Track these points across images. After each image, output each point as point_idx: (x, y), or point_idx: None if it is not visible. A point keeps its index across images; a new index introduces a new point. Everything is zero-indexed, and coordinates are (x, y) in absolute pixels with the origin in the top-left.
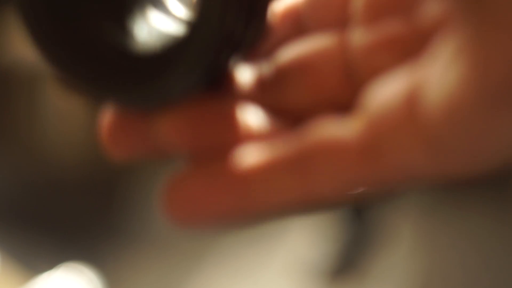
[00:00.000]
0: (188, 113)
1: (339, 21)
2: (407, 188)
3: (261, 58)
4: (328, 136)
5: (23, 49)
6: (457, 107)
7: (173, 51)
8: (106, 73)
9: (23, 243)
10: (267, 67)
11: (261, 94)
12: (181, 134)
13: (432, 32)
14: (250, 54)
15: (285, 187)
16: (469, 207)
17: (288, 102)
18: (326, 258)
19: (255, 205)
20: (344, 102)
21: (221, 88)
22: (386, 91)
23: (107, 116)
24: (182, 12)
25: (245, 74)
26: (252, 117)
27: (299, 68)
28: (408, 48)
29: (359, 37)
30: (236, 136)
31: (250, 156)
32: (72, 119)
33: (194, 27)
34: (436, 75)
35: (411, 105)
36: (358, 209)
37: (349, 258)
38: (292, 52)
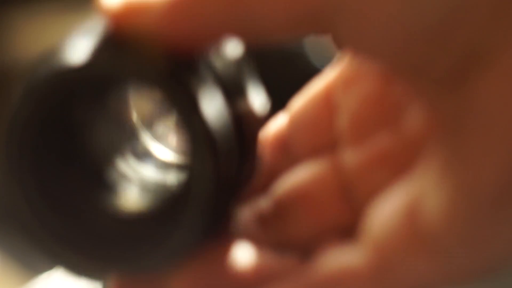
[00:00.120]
0: (195, 272)
1: (327, 143)
2: None
3: (257, 193)
4: (339, 267)
5: (23, 49)
6: (453, 220)
7: (170, 210)
8: (104, 244)
9: (23, 243)
10: (265, 202)
11: (263, 232)
12: None
13: (419, 141)
14: (246, 192)
15: None
16: None
17: (291, 234)
18: None
19: None
20: (347, 225)
21: (223, 233)
22: (385, 212)
23: (112, 283)
24: (167, 156)
25: (244, 214)
26: (259, 259)
27: (297, 198)
28: (400, 161)
29: (350, 157)
30: (248, 282)
31: None
32: None
33: (189, 181)
34: (429, 190)
35: (411, 221)
36: None
37: None
38: (287, 183)
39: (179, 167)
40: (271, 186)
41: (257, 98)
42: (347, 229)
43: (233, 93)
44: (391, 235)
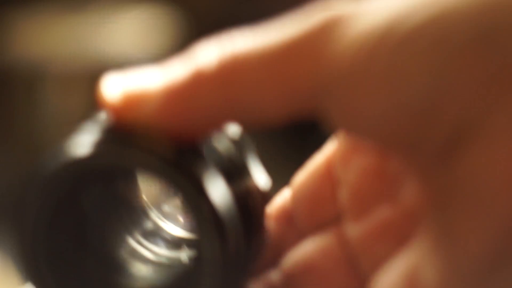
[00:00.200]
0: None
1: (331, 216)
2: None
3: (266, 266)
4: None
5: (23, 49)
6: (450, 286)
7: (182, 286)
8: None
9: None
10: (275, 275)
11: None
12: None
13: (417, 213)
14: (256, 265)
15: None
16: None
17: None
18: None
19: None
20: None
21: None
22: (387, 282)
23: None
24: (176, 233)
25: (256, 287)
26: None
27: (306, 271)
28: (400, 232)
29: (353, 229)
30: None
31: None
32: (72, 119)
33: (199, 259)
34: (424, 262)
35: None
36: None
37: None
38: (295, 256)
39: (189, 243)
40: (279, 259)
41: (259, 175)
42: None
43: (237, 172)
44: None
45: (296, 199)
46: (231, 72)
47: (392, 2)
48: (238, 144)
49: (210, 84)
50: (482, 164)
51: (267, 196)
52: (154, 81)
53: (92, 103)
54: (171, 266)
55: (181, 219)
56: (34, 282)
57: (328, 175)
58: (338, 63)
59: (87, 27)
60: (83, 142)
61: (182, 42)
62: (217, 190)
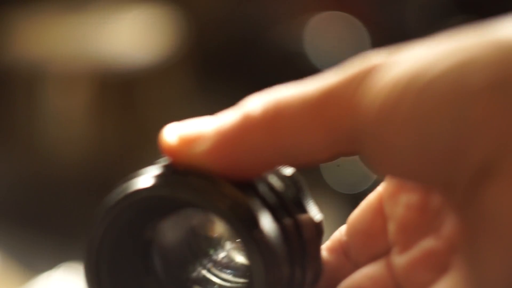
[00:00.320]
0: None
1: (382, 249)
2: None
3: None
4: None
5: (23, 49)
6: None
7: None
8: None
9: (23, 243)
10: None
11: None
12: None
13: (454, 243)
14: None
15: None
16: None
17: None
18: None
19: None
20: None
21: None
22: None
23: None
24: (240, 261)
25: None
26: None
27: None
28: (441, 262)
29: (399, 259)
30: None
31: None
32: (72, 119)
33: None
34: None
35: None
36: None
37: None
38: (347, 283)
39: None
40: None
41: (313, 209)
42: None
43: (290, 206)
44: None
45: (351, 233)
46: (275, 116)
47: (419, 52)
48: (290, 179)
49: (256, 127)
50: (504, 201)
51: (320, 229)
52: (207, 126)
53: (92, 103)
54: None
55: None
56: None
57: (379, 211)
58: (368, 110)
59: (87, 27)
60: (144, 178)
61: (182, 42)
62: (266, 223)
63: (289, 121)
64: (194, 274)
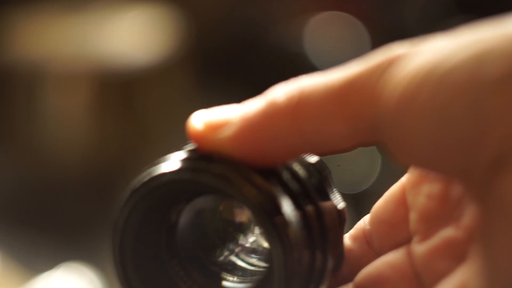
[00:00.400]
0: None
1: (404, 237)
2: None
3: (343, 281)
4: None
5: (23, 49)
6: None
7: None
8: None
9: (23, 243)
10: None
11: None
12: None
13: (473, 232)
14: (334, 278)
15: None
16: None
17: None
18: None
19: None
20: None
21: None
22: None
23: None
24: (258, 266)
25: None
26: None
27: (375, 282)
28: (460, 251)
29: (419, 248)
30: None
31: None
32: (72, 119)
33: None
34: (472, 280)
35: None
36: None
37: None
38: (367, 270)
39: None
40: (355, 275)
41: (336, 197)
42: None
43: (313, 193)
44: None
45: (374, 222)
46: (299, 104)
47: (439, 43)
48: (314, 167)
49: (280, 114)
50: None
51: (343, 216)
52: (233, 113)
53: (92, 103)
54: (258, 274)
55: None
56: (123, 287)
57: (402, 201)
58: (389, 100)
59: (87, 27)
60: (169, 162)
61: (182, 42)
62: (287, 210)
63: (312, 108)
64: (221, 259)
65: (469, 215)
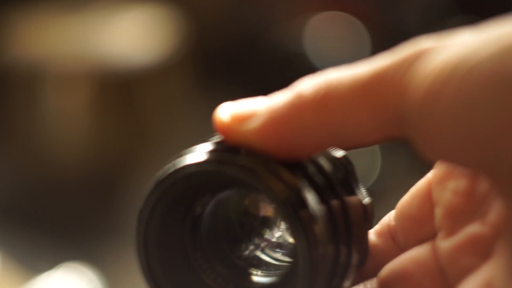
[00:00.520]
0: None
1: (429, 233)
2: None
3: (367, 277)
4: None
5: (23, 49)
6: None
7: (284, 284)
8: None
9: (23, 243)
10: (371, 284)
11: None
12: None
13: (500, 228)
14: (358, 273)
15: None
16: None
17: None
18: None
19: None
20: None
21: None
22: None
23: None
24: (283, 261)
25: None
26: None
27: (399, 278)
28: (485, 246)
29: (445, 244)
30: None
31: None
32: (72, 119)
33: (294, 264)
34: (498, 277)
35: None
36: None
37: None
38: (392, 266)
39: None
40: (379, 270)
41: (361, 192)
42: None
43: (338, 188)
44: None
45: (399, 218)
46: (326, 96)
47: (466, 38)
48: (340, 162)
49: (307, 107)
50: None
51: (369, 212)
52: (259, 105)
53: (92, 103)
54: (282, 268)
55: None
56: (147, 278)
57: (427, 197)
58: (416, 94)
59: (87, 27)
60: (195, 153)
61: (182, 42)
62: (312, 204)
63: (339, 101)
64: (245, 253)
65: (495, 211)
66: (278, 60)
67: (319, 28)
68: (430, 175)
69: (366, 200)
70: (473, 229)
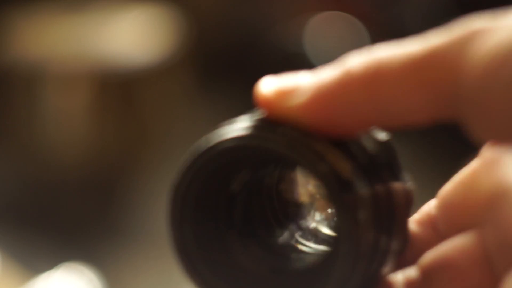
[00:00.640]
0: None
1: (473, 223)
2: None
3: (407, 264)
4: None
5: (23, 49)
6: None
7: (322, 267)
8: None
9: (23, 243)
10: (413, 271)
11: None
12: None
13: None
14: (397, 261)
15: None
16: None
17: None
18: None
19: None
20: None
21: None
22: None
23: None
24: (326, 235)
25: (395, 280)
26: None
27: (443, 267)
28: None
29: (492, 232)
30: None
31: None
32: (72, 119)
33: (336, 244)
34: None
35: None
36: None
37: None
38: (433, 253)
39: (331, 241)
40: (419, 259)
41: (404, 177)
42: None
43: (382, 172)
44: None
45: (442, 207)
46: (376, 73)
47: None
48: (384, 145)
49: (356, 83)
50: None
51: (410, 198)
52: (305, 80)
53: (92, 103)
54: (318, 253)
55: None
56: (181, 256)
57: (473, 184)
58: (471, 74)
59: (87, 27)
60: (233, 128)
61: (182, 42)
62: (358, 186)
63: (390, 78)
64: (279, 238)
65: None
66: (278, 60)
67: (319, 28)
68: (475, 163)
69: (409, 186)
70: None
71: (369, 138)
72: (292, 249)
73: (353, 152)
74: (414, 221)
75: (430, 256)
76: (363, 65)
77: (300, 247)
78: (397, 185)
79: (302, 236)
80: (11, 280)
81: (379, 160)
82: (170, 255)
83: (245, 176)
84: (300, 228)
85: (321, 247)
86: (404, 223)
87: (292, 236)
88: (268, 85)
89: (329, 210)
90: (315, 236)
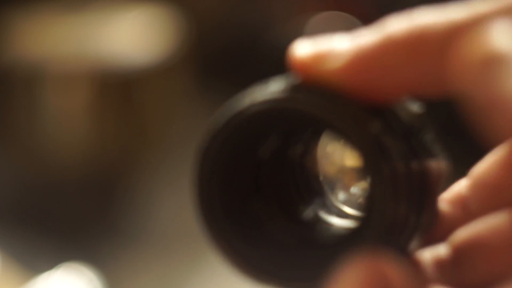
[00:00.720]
0: None
1: (505, 203)
2: None
3: (435, 241)
4: None
5: (23, 49)
6: None
7: (350, 240)
8: (285, 265)
9: (23, 243)
10: (443, 249)
11: (441, 275)
12: None
13: None
14: (426, 237)
15: None
16: None
17: (468, 280)
18: None
19: None
20: None
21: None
22: None
23: None
24: (352, 212)
25: (423, 257)
26: None
27: (475, 246)
28: None
29: None
30: None
31: None
32: (72, 119)
33: (367, 217)
34: None
35: None
36: None
37: None
38: (465, 232)
39: (356, 218)
40: (448, 237)
41: (438, 152)
42: None
43: (416, 145)
44: None
45: (474, 186)
46: (418, 40)
47: None
48: (419, 118)
49: (398, 48)
50: None
51: (443, 173)
52: (343, 43)
53: (92, 103)
54: (345, 227)
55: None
56: (207, 221)
57: (508, 164)
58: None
59: (87, 27)
60: (266, 91)
61: (182, 42)
62: (394, 156)
63: (434, 43)
64: (305, 211)
65: None
66: (278, 60)
67: (319, 28)
68: (508, 142)
69: (443, 161)
70: None
71: (403, 109)
72: (318, 221)
73: (391, 122)
74: (444, 200)
75: (462, 234)
76: (406, 29)
77: (326, 219)
78: (430, 160)
79: (327, 211)
80: (11, 280)
81: (414, 132)
82: (170, 255)
83: (274, 143)
84: (324, 203)
85: (347, 222)
86: (435, 199)
87: (316, 210)
88: (304, 48)
89: (354, 188)
90: (340, 211)
